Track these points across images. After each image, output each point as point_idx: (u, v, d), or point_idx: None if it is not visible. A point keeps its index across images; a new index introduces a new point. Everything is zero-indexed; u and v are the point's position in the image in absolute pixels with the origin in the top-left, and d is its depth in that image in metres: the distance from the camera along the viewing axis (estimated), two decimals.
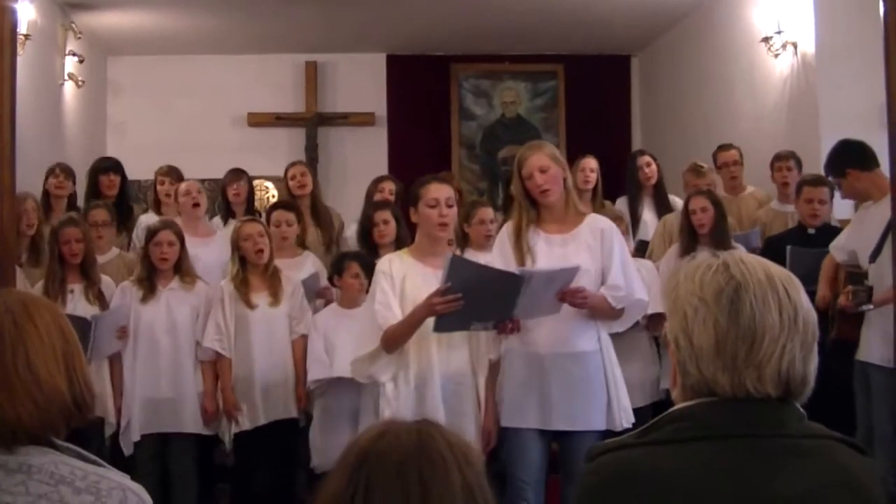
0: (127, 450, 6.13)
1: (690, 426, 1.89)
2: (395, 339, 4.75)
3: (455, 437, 1.77)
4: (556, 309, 4.74)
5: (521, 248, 4.94)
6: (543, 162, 4.92)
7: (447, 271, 4.48)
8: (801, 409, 1.94)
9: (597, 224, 5.00)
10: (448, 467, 1.70)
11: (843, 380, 5.79)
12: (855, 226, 6.01)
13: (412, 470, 1.68)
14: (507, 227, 5.12)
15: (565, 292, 4.68)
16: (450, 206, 4.91)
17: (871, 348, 5.55)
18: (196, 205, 7.22)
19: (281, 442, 6.26)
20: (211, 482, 6.77)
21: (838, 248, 6.04)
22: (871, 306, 5.54)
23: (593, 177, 7.71)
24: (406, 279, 4.86)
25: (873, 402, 5.55)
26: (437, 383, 4.81)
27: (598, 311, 4.88)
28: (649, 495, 1.83)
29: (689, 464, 1.84)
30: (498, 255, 5.04)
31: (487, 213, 6.82)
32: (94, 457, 2.06)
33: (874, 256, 5.58)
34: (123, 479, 2.03)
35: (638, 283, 4.99)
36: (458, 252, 6.13)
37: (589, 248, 4.92)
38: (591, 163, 7.78)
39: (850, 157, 5.94)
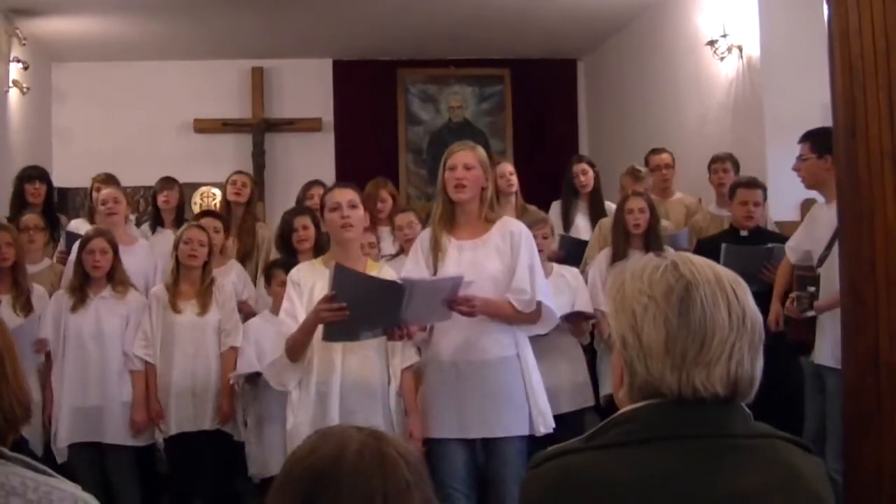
0: (59, 458, 6.05)
1: (635, 429, 1.87)
2: (293, 348, 4.74)
3: (405, 449, 1.78)
4: (448, 316, 4.71)
5: (434, 250, 4.95)
6: (471, 160, 4.91)
7: (332, 280, 4.46)
8: (747, 410, 1.94)
9: (507, 227, 4.98)
10: (412, 493, 1.72)
11: (790, 381, 5.84)
12: (807, 225, 6.01)
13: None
14: (424, 232, 5.13)
15: (453, 301, 4.65)
16: (353, 208, 4.86)
17: (825, 350, 5.58)
18: (111, 213, 7.05)
19: (214, 451, 6.22)
20: (155, 492, 6.69)
21: (792, 249, 6.07)
22: (814, 312, 5.60)
23: (514, 179, 7.69)
24: (315, 287, 4.83)
25: (827, 403, 5.58)
26: (338, 391, 4.77)
27: (503, 316, 4.86)
28: (594, 500, 1.82)
29: (634, 467, 1.82)
30: (411, 258, 5.07)
31: (403, 218, 6.94)
32: (43, 467, 2.01)
33: (822, 261, 5.62)
34: (75, 489, 1.99)
35: (543, 287, 4.93)
36: (384, 261, 6.14)
37: (498, 250, 4.90)
38: (507, 167, 7.81)
39: None
